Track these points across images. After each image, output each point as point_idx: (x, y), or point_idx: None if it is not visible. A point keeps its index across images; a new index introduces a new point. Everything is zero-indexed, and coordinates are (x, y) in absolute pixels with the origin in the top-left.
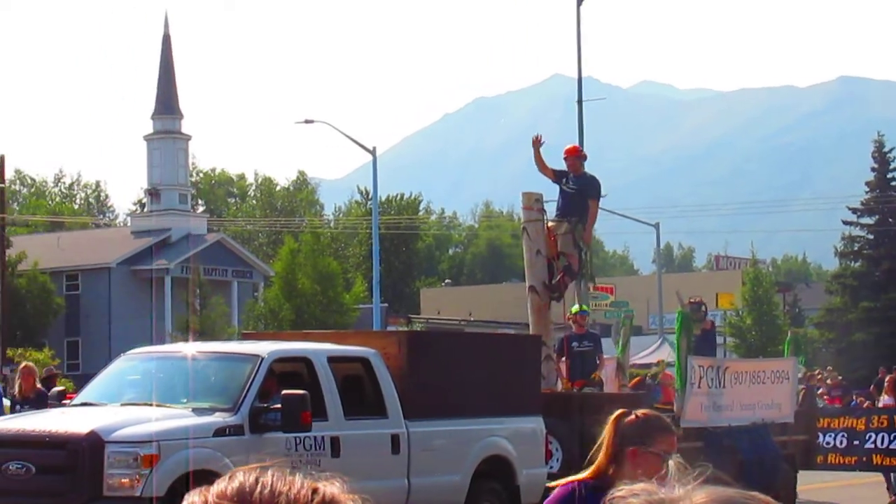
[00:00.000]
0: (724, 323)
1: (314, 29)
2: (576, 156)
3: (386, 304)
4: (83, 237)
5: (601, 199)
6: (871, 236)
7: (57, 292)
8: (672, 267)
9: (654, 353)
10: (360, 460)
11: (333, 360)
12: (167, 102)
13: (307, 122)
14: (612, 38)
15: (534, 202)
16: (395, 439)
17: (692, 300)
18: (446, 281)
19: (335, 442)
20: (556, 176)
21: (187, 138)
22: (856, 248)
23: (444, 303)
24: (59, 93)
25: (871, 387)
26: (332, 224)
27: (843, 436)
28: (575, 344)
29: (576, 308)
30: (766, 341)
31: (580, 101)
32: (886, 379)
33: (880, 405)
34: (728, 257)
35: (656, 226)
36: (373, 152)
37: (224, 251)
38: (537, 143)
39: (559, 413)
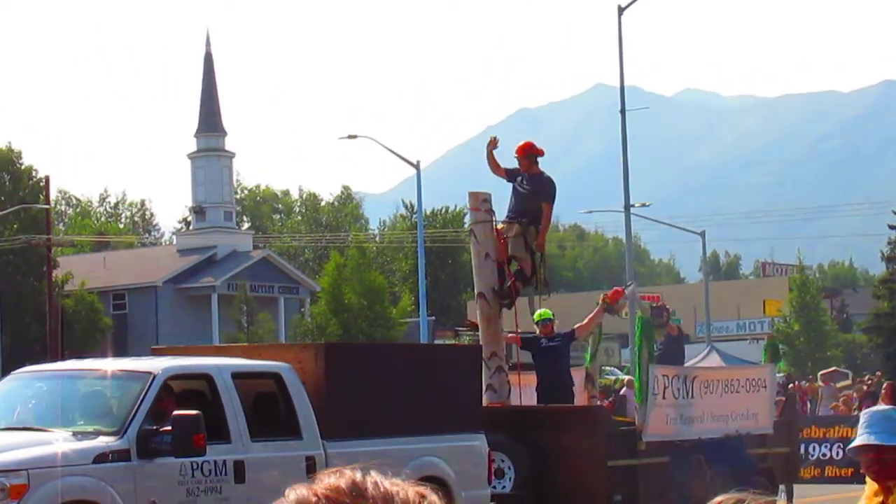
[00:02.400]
0: (771, 330)
1: (356, 44)
2: (525, 154)
3: (433, 318)
4: (129, 256)
5: (554, 202)
6: None
7: (104, 312)
8: (718, 275)
9: (701, 361)
10: (269, 486)
11: (239, 375)
12: (210, 120)
13: (350, 137)
14: (654, 46)
15: (481, 202)
16: (310, 462)
17: (653, 305)
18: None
19: (239, 466)
20: (509, 175)
21: (231, 156)
22: None
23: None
24: (102, 112)
25: None
26: (377, 238)
27: (838, 446)
28: (544, 341)
29: (539, 314)
30: (815, 347)
31: (623, 111)
32: (884, 386)
33: None
34: (774, 264)
35: (702, 234)
36: (416, 166)
37: (270, 267)
38: (492, 144)
39: (511, 429)
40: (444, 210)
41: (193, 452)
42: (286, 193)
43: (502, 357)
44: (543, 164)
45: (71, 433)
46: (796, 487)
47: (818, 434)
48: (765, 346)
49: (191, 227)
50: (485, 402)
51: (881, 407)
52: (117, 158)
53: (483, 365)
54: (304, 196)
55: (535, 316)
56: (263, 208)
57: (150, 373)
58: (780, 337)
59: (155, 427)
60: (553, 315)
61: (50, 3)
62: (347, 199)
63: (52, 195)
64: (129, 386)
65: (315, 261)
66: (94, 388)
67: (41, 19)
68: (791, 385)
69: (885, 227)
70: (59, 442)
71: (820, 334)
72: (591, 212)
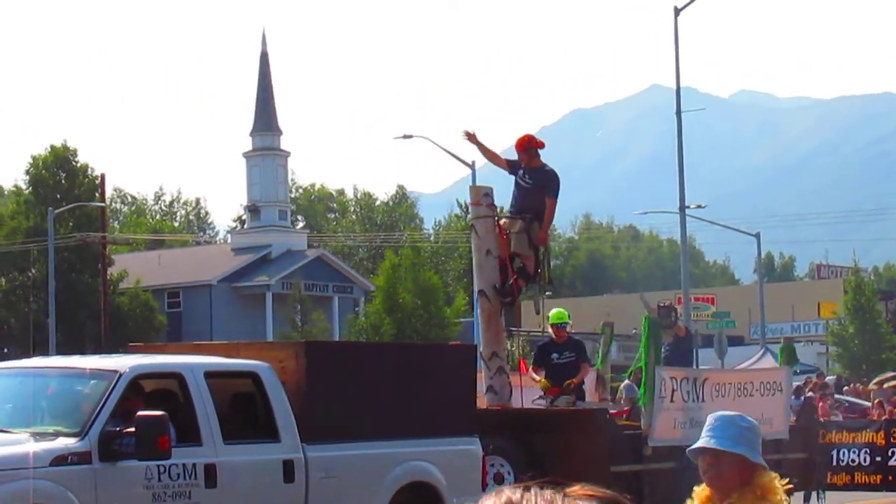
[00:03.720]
0: (826, 332)
1: (412, 43)
2: (525, 148)
3: None
4: (184, 254)
5: (558, 196)
6: None
7: (159, 310)
8: (773, 276)
9: (756, 363)
10: (243, 490)
11: (213, 375)
12: (266, 119)
13: (406, 136)
14: (709, 47)
15: (482, 196)
16: (288, 466)
17: (661, 304)
18: (547, 293)
19: (210, 470)
20: (511, 167)
21: (286, 155)
22: None
23: (544, 315)
24: (158, 110)
25: None
26: (431, 238)
27: (866, 451)
28: (555, 355)
29: (555, 315)
30: (869, 350)
31: (679, 112)
32: None
33: None
34: (829, 266)
35: (757, 235)
36: (472, 166)
37: (324, 267)
38: (473, 138)
39: (511, 432)
40: (498, 210)
41: (158, 455)
42: (341, 193)
43: (503, 357)
44: (600, 165)
45: (29, 434)
46: (829, 494)
47: (847, 439)
48: (780, 348)
49: (245, 226)
50: (485, 404)
51: (728, 412)
52: (173, 157)
53: (483, 365)
54: (359, 195)
55: (551, 317)
56: (318, 207)
57: (116, 371)
58: (831, 339)
59: (119, 428)
60: (569, 317)
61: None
62: (402, 199)
63: (108, 193)
64: (95, 385)
65: (369, 260)
66: (58, 387)
67: (98, 15)
68: (845, 388)
69: None
70: (15, 443)
71: (875, 337)
72: (645, 213)
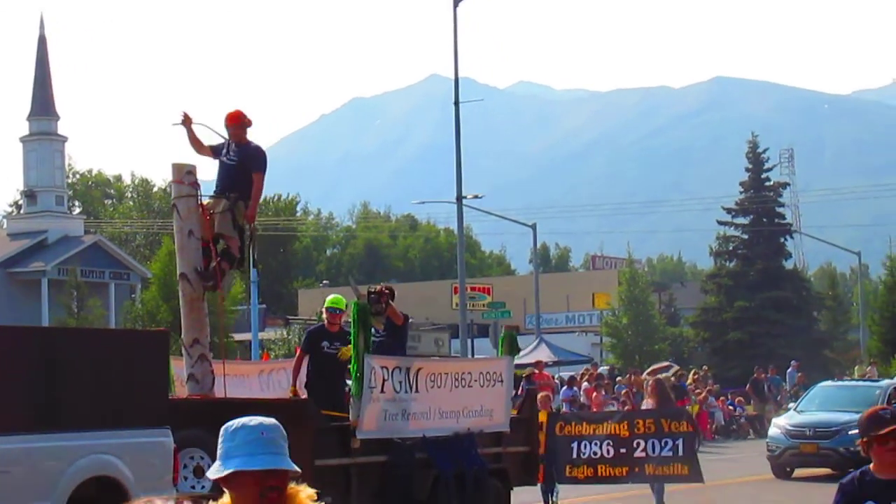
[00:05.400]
0: (600, 323)
1: (191, 30)
2: (237, 123)
3: (264, 306)
4: None
5: (265, 172)
6: (745, 236)
7: None
8: (549, 267)
9: (531, 353)
10: None
11: None
12: (43, 104)
13: (183, 123)
14: (489, 38)
15: (185, 174)
16: None
17: (371, 290)
18: (324, 282)
19: None
20: (215, 152)
21: (63, 140)
22: (730, 248)
23: (321, 303)
24: None
25: (748, 386)
26: None
27: (608, 443)
28: (325, 343)
29: (331, 301)
30: (643, 341)
31: (457, 103)
32: (649, 383)
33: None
34: (604, 257)
35: (533, 226)
36: None
37: (101, 253)
38: (188, 122)
39: (213, 423)
40: (276, 198)
41: None
42: (118, 178)
43: (205, 344)
44: (378, 154)
45: None
46: (570, 488)
47: (588, 431)
48: (501, 337)
49: (21, 211)
50: (185, 393)
51: (265, 420)
52: None
53: (185, 353)
54: (137, 181)
55: (327, 302)
56: (95, 193)
57: None
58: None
59: None
60: (346, 305)
61: None
62: None
63: None
64: None
65: (147, 247)
66: None
67: None
68: (618, 378)
69: (713, 222)
70: None
71: (648, 328)
72: (423, 202)
